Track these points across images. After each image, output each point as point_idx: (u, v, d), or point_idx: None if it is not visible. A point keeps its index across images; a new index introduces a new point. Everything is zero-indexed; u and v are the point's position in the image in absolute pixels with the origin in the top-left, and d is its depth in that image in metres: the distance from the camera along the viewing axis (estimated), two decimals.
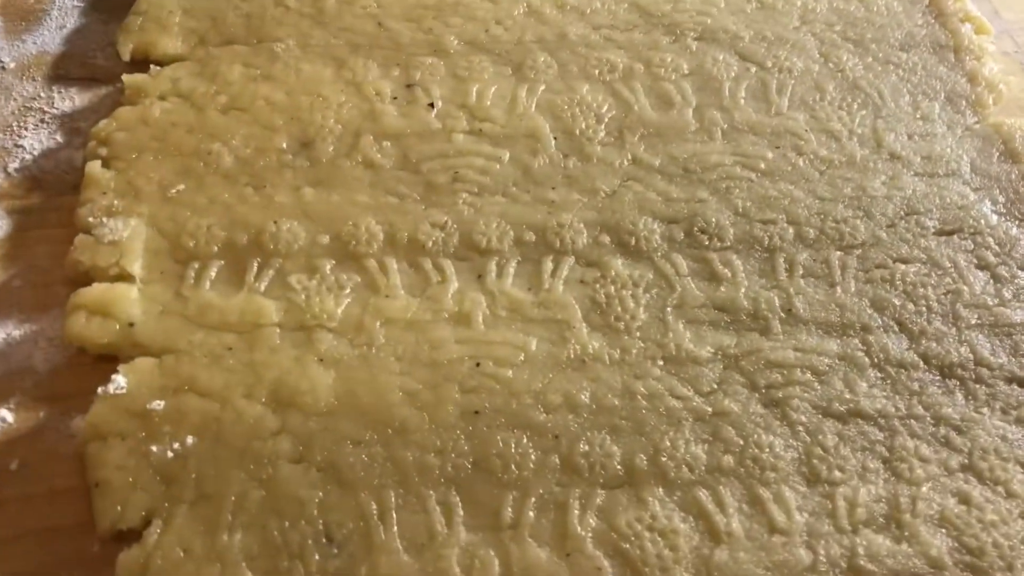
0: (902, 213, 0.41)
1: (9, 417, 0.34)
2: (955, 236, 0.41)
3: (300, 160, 0.41)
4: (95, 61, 0.45)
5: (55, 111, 0.43)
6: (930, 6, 0.49)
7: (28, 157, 0.41)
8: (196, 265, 0.38)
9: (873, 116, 0.44)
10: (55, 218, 0.40)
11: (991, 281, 0.40)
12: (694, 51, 0.46)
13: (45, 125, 0.43)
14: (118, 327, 0.36)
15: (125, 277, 0.37)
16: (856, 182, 0.42)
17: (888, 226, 0.41)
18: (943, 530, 0.33)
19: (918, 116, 0.45)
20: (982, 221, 0.41)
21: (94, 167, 0.40)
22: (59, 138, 0.42)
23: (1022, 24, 0.51)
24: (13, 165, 0.41)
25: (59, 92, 0.44)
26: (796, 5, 0.48)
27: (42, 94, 0.44)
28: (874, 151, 0.43)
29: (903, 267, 0.40)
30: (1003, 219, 0.42)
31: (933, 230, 0.41)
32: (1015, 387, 0.37)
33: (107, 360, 0.36)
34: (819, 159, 0.43)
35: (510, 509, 0.33)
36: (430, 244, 0.39)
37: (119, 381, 0.34)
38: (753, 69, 0.46)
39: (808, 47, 0.47)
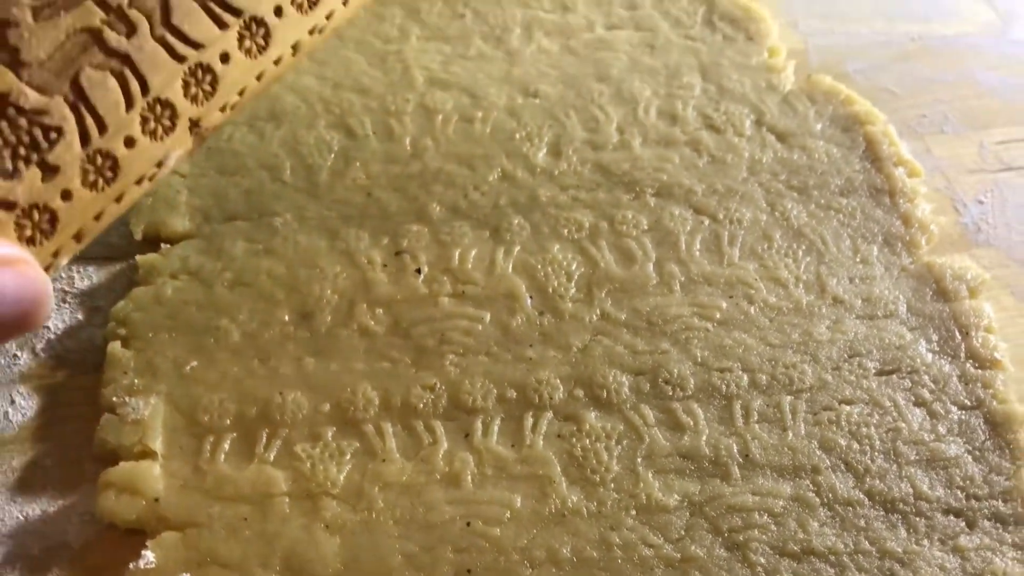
0: (845, 356, 0.46)
1: None
2: (894, 375, 0.45)
3: (301, 331, 0.45)
4: (110, 240, 0.49)
5: (75, 290, 0.47)
6: (867, 151, 0.54)
7: (52, 337, 0.46)
8: (211, 439, 0.42)
9: (817, 262, 0.49)
10: (81, 396, 0.44)
11: (927, 417, 0.44)
12: (652, 207, 0.51)
13: (67, 304, 0.47)
14: (144, 503, 0.40)
15: (148, 454, 0.41)
16: (803, 328, 0.47)
17: (833, 369, 0.45)
18: None
19: (858, 260, 0.50)
20: (918, 360, 0.46)
21: (115, 348, 0.44)
22: (80, 316, 0.47)
23: (952, 160, 0.56)
24: (40, 345, 0.45)
25: (78, 272, 0.48)
26: (744, 157, 0.53)
27: (63, 274, 0.48)
28: (819, 296, 0.48)
29: (848, 408, 0.44)
30: (937, 357, 0.46)
31: (874, 371, 0.45)
32: (951, 518, 0.41)
33: (136, 533, 0.39)
34: (769, 307, 0.47)
35: None
36: (421, 406, 0.43)
37: (148, 556, 0.38)
38: (706, 221, 0.51)
39: (756, 197, 0.52)
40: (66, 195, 0.34)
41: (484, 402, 0.43)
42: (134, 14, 0.34)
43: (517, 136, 0.53)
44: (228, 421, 0.42)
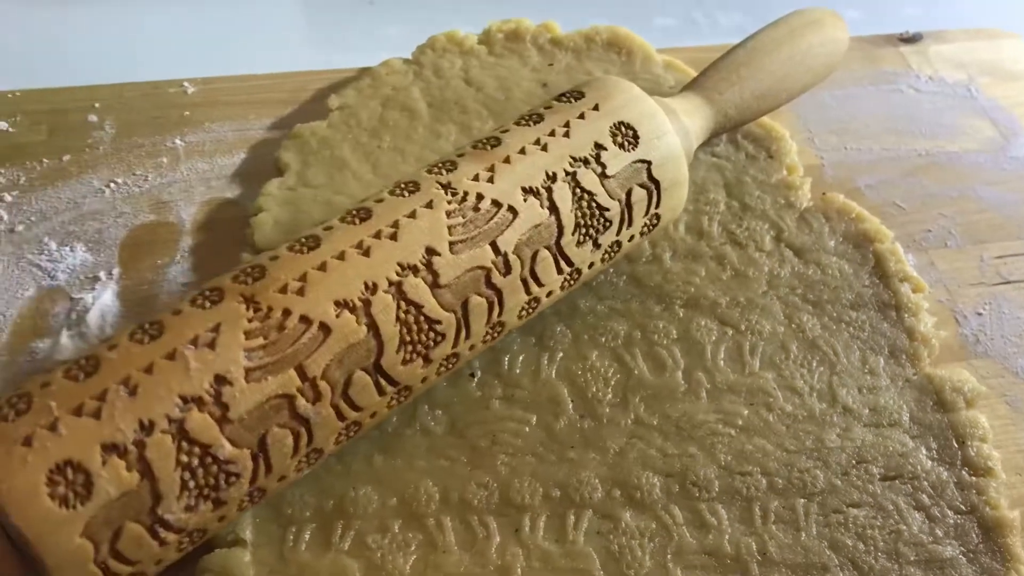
0: (853, 462, 0.51)
1: None
2: (897, 481, 0.51)
3: (371, 430, 0.51)
4: None
5: None
6: (875, 268, 0.60)
7: None
8: (294, 529, 0.48)
9: (829, 372, 0.55)
10: None
11: (926, 521, 0.49)
12: (681, 317, 0.57)
13: None
14: None
15: (239, 542, 0.47)
16: (815, 435, 0.52)
17: (842, 474, 0.51)
18: None
19: (866, 371, 0.55)
20: (919, 467, 0.51)
21: None
22: None
23: (953, 274, 0.62)
24: None
25: None
26: (764, 271, 0.59)
27: None
28: (830, 405, 0.54)
29: (855, 511, 0.49)
30: (936, 464, 0.51)
31: (879, 476, 0.51)
32: None
33: None
34: (785, 414, 0.53)
35: None
36: (476, 502, 0.49)
37: None
38: (730, 332, 0.56)
39: (774, 310, 0.57)
40: (222, 519, 0.42)
41: (531, 500, 0.49)
42: (323, 385, 0.41)
43: None
44: (308, 513, 0.48)
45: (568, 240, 0.49)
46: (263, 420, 0.40)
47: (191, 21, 0.77)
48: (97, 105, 0.66)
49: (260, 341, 0.40)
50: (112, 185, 0.62)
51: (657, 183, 0.52)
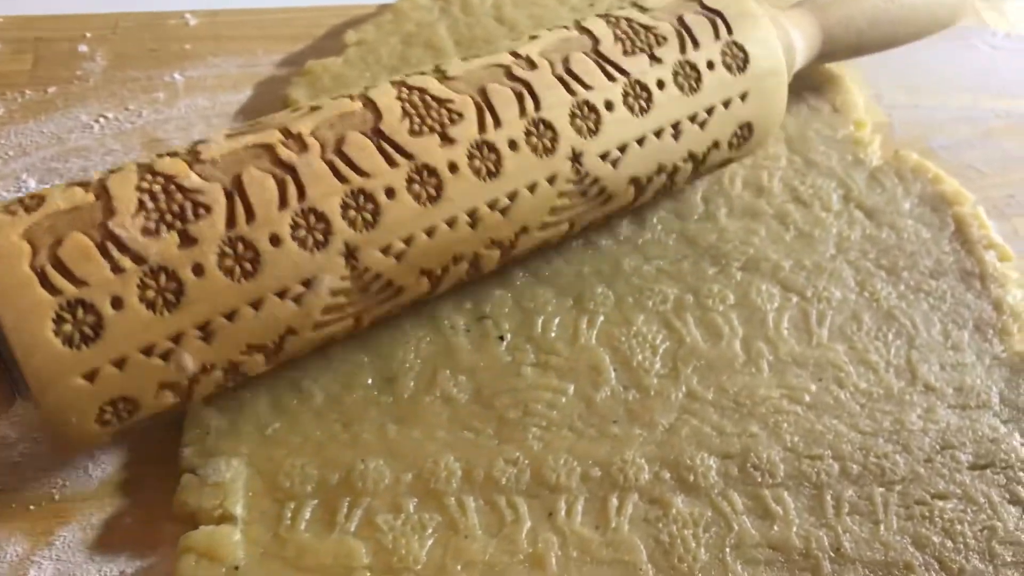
0: (938, 447, 0.45)
1: None
2: (988, 470, 0.44)
3: (384, 396, 0.45)
4: None
5: None
6: (956, 233, 0.53)
7: None
8: (292, 505, 0.41)
9: (907, 346, 0.48)
10: (161, 452, 0.43)
11: (1023, 516, 0.43)
12: (739, 281, 0.50)
13: None
14: (224, 569, 0.39)
15: (228, 518, 0.40)
16: (894, 415, 0.45)
17: (925, 461, 0.44)
18: None
19: (949, 346, 0.48)
20: (1012, 455, 0.44)
21: (196, 407, 0.43)
22: None
23: None
24: None
25: None
26: (832, 233, 0.52)
27: None
28: (909, 383, 0.47)
29: (941, 503, 0.43)
30: None
31: (967, 464, 0.44)
32: None
33: None
34: (859, 392, 0.46)
35: None
36: (504, 481, 0.42)
37: None
38: (794, 299, 0.50)
39: (844, 276, 0.51)
40: (198, 270, 0.36)
41: (567, 480, 0.42)
42: (311, 140, 0.39)
43: None
44: (310, 487, 0.42)
45: (609, 48, 0.45)
46: (238, 162, 0.38)
47: None
48: (88, 35, 0.60)
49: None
50: (101, 120, 0.56)
51: (718, 12, 0.48)
